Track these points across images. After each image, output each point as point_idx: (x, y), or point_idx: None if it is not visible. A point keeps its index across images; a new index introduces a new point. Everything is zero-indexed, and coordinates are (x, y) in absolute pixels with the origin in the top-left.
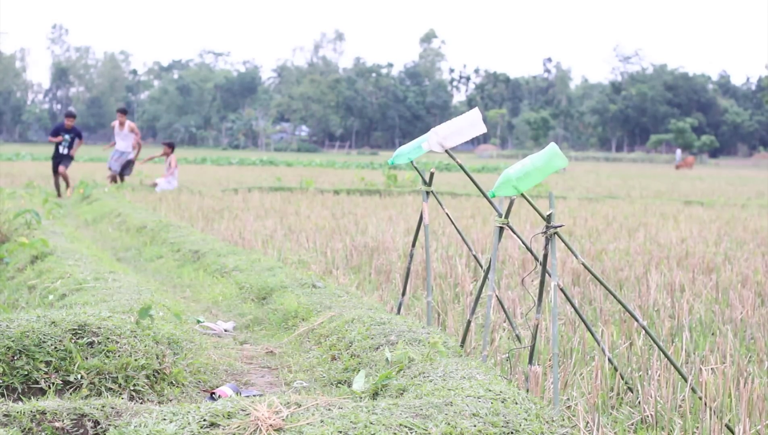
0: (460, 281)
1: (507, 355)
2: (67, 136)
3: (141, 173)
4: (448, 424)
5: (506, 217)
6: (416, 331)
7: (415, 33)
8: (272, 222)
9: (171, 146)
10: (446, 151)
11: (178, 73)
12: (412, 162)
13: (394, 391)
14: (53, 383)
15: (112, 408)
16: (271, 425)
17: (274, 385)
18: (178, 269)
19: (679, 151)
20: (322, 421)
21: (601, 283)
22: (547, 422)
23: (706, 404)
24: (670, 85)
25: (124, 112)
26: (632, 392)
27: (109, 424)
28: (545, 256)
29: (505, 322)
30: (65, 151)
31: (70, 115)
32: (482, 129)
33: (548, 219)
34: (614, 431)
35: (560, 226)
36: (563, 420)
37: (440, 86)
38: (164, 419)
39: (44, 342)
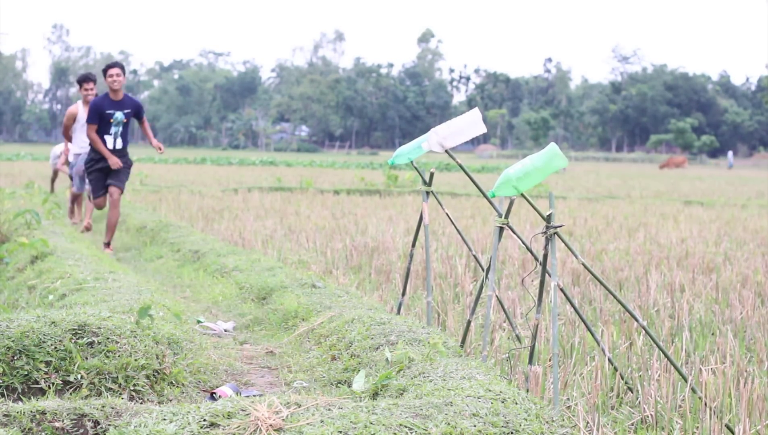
0: (460, 281)
1: (507, 355)
2: (119, 115)
3: (141, 173)
4: (448, 424)
5: (506, 217)
6: (416, 331)
7: (415, 33)
8: (272, 222)
9: None
10: (446, 151)
11: (179, 73)
12: (412, 162)
13: (394, 391)
14: (53, 383)
15: (112, 408)
16: (271, 425)
17: (274, 385)
18: (178, 269)
19: (730, 154)
20: (322, 421)
21: (601, 283)
22: (547, 422)
23: (706, 404)
24: (670, 85)
25: (94, 80)
26: (632, 392)
27: (109, 424)
28: (545, 256)
29: (505, 322)
30: (120, 145)
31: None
32: (482, 129)
33: (548, 219)
34: (614, 431)
35: (560, 226)
36: (563, 420)
37: (440, 86)
38: (164, 419)
39: (44, 342)
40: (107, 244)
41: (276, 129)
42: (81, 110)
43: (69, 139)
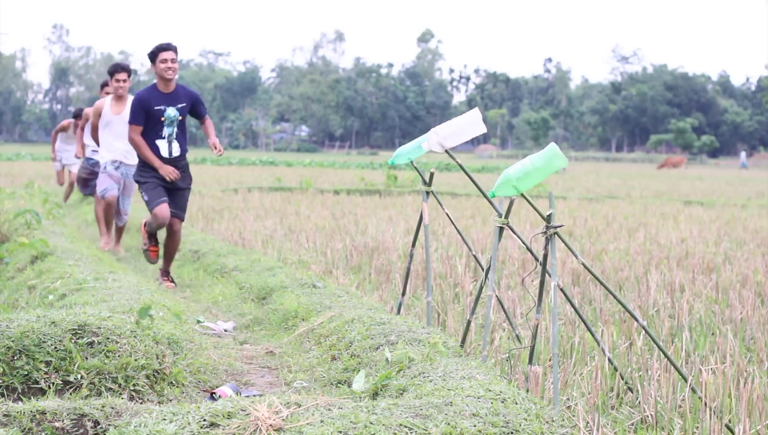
0: (460, 281)
1: (507, 355)
2: (171, 112)
3: None
4: (448, 424)
5: (506, 217)
6: (416, 331)
7: (415, 33)
8: (272, 222)
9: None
10: (446, 151)
11: (179, 73)
12: (412, 162)
13: (394, 391)
14: (53, 383)
15: (112, 408)
16: (271, 425)
17: (274, 385)
18: (178, 269)
19: (743, 154)
20: (322, 421)
21: (601, 283)
22: (547, 422)
23: (706, 404)
24: (670, 85)
25: (128, 71)
26: (632, 392)
27: (109, 424)
28: (545, 256)
29: (505, 322)
30: (178, 152)
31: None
32: (482, 129)
33: (548, 219)
34: (614, 431)
35: (560, 226)
36: (563, 420)
37: (440, 86)
38: (164, 419)
39: (44, 342)
40: (166, 274)
41: (276, 129)
42: (107, 107)
43: (97, 141)
